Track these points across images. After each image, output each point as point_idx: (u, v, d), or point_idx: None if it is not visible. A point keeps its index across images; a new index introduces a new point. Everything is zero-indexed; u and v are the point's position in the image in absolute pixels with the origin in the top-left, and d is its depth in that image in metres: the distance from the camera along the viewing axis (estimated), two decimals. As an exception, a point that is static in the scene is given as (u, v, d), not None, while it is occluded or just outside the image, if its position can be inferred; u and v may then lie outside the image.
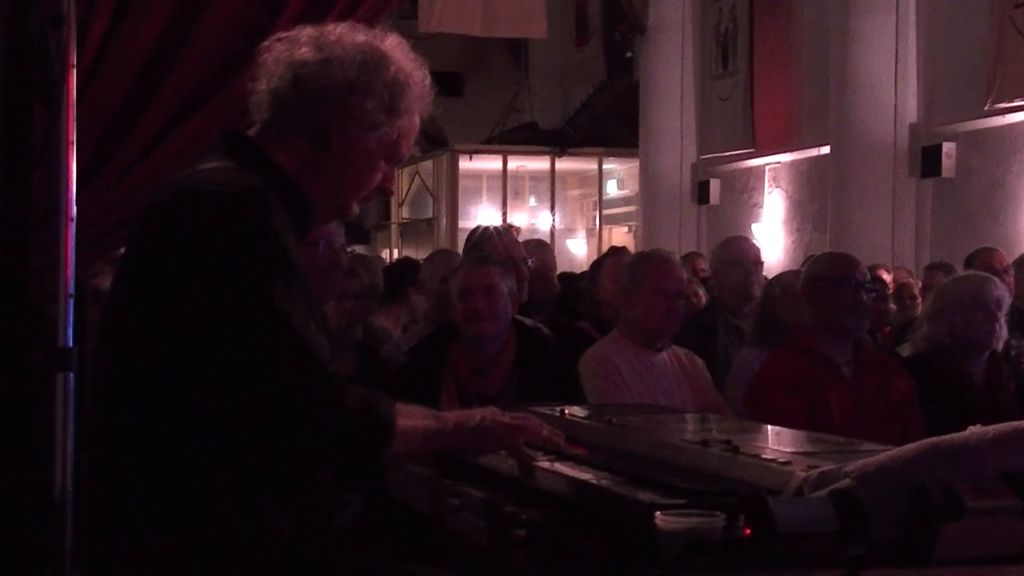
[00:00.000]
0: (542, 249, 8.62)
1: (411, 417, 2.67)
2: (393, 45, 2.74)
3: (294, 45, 2.70)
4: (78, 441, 3.59)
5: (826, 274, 5.33)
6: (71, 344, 3.63)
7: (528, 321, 5.52)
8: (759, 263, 7.13)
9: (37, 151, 3.73)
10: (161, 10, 3.87)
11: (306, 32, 2.73)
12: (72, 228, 3.63)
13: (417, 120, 2.79)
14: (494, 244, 6.73)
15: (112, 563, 2.62)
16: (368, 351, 5.33)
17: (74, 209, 3.63)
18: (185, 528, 2.51)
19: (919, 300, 8.80)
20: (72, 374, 3.64)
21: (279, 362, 2.48)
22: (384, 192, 2.85)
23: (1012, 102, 13.35)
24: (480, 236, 7.18)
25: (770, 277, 6.89)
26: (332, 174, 2.72)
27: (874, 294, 5.60)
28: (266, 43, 2.75)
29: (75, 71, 3.61)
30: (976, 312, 5.56)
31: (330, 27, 2.75)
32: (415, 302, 7.05)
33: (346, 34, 2.72)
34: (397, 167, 2.85)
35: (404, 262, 8.73)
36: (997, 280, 5.86)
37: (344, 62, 2.67)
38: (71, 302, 3.62)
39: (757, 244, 7.57)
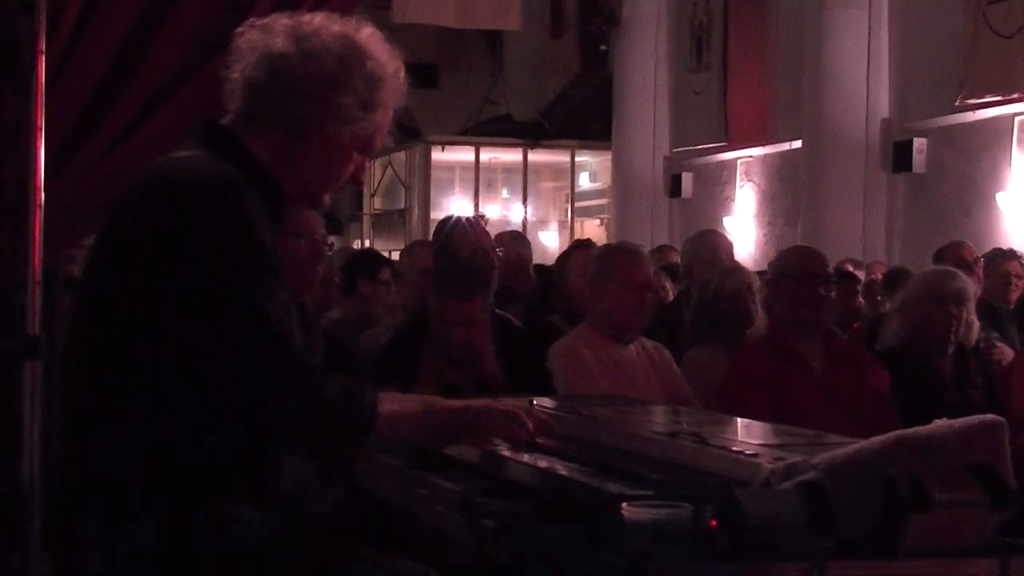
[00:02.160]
0: (518, 242, 8.63)
1: (397, 403, 2.67)
2: (369, 37, 2.74)
3: (270, 35, 2.69)
4: (46, 429, 3.58)
5: (787, 269, 5.35)
6: (39, 332, 3.62)
7: (500, 313, 5.53)
8: (731, 256, 7.15)
9: (6, 139, 3.72)
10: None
11: (282, 22, 2.72)
12: (40, 216, 3.62)
13: (391, 113, 2.79)
14: (464, 234, 6.73)
15: (81, 551, 2.61)
16: (334, 341, 5.33)
17: (43, 197, 3.62)
18: (155, 517, 2.50)
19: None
20: (40, 362, 3.62)
21: (255, 353, 2.47)
22: (355, 182, 2.85)
23: (983, 98, 13.39)
24: (451, 227, 7.17)
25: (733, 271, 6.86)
26: (306, 166, 2.72)
27: (834, 290, 5.59)
28: (240, 29, 2.74)
29: (44, 58, 3.59)
30: (934, 307, 5.59)
31: (306, 17, 2.74)
32: (366, 294, 7.04)
33: (323, 26, 2.71)
34: (368, 158, 2.85)
35: (354, 255, 8.64)
36: (959, 274, 5.89)
37: (324, 56, 2.67)
38: (39, 289, 3.61)
39: (730, 239, 7.57)
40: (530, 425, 2.86)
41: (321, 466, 2.79)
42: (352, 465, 3.42)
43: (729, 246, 7.24)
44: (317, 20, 2.73)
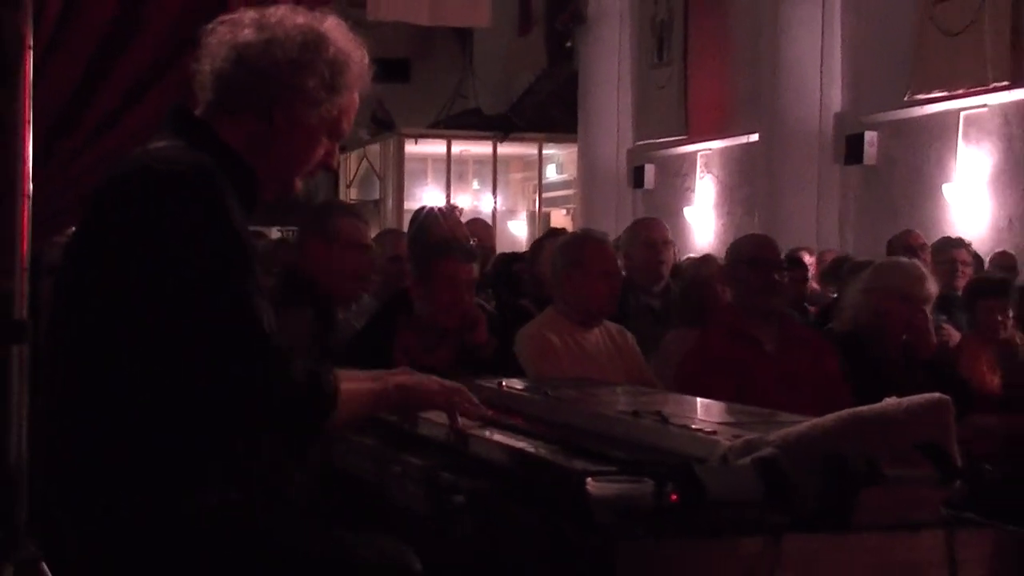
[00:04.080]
0: (483, 230, 8.64)
1: (354, 380, 2.68)
2: (332, 26, 2.74)
3: (236, 27, 2.70)
4: (32, 411, 3.56)
5: (742, 256, 5.35)
6: (26, 317, 3.60)
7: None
8: (668, 243, 7.12)
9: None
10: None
11: (248, 15, 2.72)
12: (28, 205, 3.60)
13: (356, 97, 2.78)
14: (437, 223, 6.73)
15: (64, 530, 2.60)
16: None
17: (30, 186, 3.60)
18: (136, 496, 2.48)
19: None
20: (27, 346, 3.60)
21: (229, 336, 2.46)
22: (327, 167, 2.85)
23: (930, 94, 13.45)
24: (425, 217, 7.17)
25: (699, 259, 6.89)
26: (276, 150, 2.71)
27: (787, 276, 5.60)
28: (209, 26, 2.73)
29: (31, 52, 3.57)
30: (902, 304, 5.60)
31: (271, 9, 2.74)
32: None
33: (287, 16, 2.72)
34: (338, 143, 2.84)
35: None
36: (929, 276, 5.90)
37: (286, 42, 2.67)
38: (26, 276, 3.59)
39: (667, 225, 7.53)
40: (467, 404, 2.91)
41: (290, 446, 2.77)
42: (315, 443, 3.42)
43: (665, 231, 7.19)
44: (281, 11, 2.74)
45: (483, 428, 2.98)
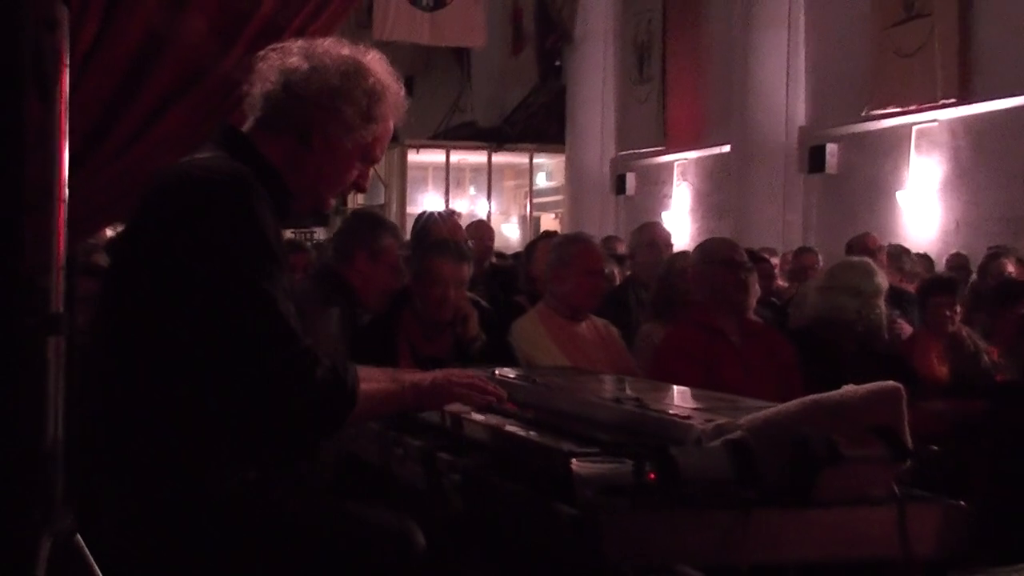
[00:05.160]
0: (485, 231, 8.65)
1: (372, 381, 2.66)
2: (373, 59, 2.74)
3: (286, 55, 2.69)
4: (67, 397, 3.55)
5: (710, 257, 5.35)
6: (61, 311, 3.59)
7: (470, 295, 5.51)
8: (669, 245, 7.17)
9: (32, 141, 3.70)
10: (143, 17, 3.83)
11: (297, 44, 2.72)
12: (64, 209, 3.59)
13: (391, 126, 2.76)
14: (437, 226, 6.72)
15: (99, 506, 2.60)
16: None
17: (66, 192, 3.59)
18: (166, 475, 2.49)
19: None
20: (62, 337, 3.59)
21: (259, 337, 2.45)
22: (358, 188, 2.83)
23: (886, 109, 13.49)
24: (426, 220, 7.16)
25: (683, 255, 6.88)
26: (312, 169, 2.70)
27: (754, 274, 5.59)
28: (261, 53, 2.73)
29: (68, 70, 3.57)
30: (851, 299, 5.61)
31: (319, 41, 2.74)
32: None
33: (332, 47, 2.71)
34: (371, 167, 2.83)
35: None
36: (878, 271, 5.91)
37: (329, 71, 2.66)
38: (62, 274, 3.59)
39: (668, 230, 7.63)
40: (490, 388, 2.87)
41: (309, 438, 2.75)
42: (333, 437, 3.42)
43: (667, 235, 7.26)
44: (327, 42, 2.73)
45: (479, 412, 2.97)
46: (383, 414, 2.98)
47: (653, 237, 7.08)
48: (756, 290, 5.46)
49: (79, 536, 3.13)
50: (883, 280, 5.78)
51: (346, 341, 4.58)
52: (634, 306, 6.46)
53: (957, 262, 9.76)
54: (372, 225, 5.12)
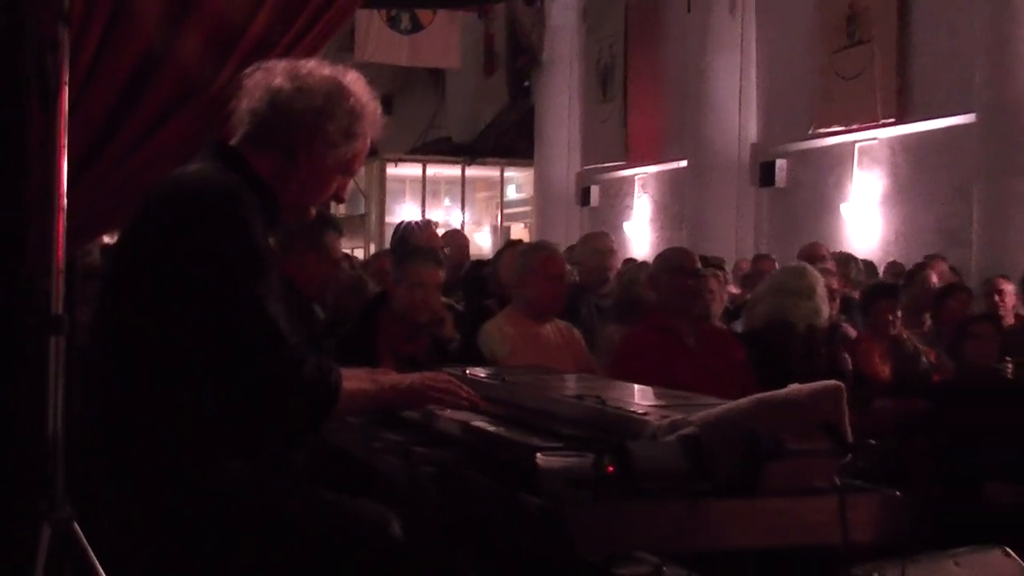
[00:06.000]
0: (460, 239, 8.62)
1: (354, 381, 2.66)
2: (353, 79, 2.72)
3: (271, 74, 2.67)
4: (67, 393, 3.54)
5: (666, 265, 5.37)
6: (62, 312, 3.57)
7: (444, 299, 5.52)
8: (613, 252, 7.15)
9: (35, 153, 3.68)
10: (140, 38, 3.82)
11: (282, 65, 2.71)
12: (63, 217, 3.58)
13: (368, 142, 2.75)
14: (414, 234, 6.72)
15: (98, 495, 2.58)
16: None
17: (65, 201, 3.58)
18: (161, 466, 2.47)
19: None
20: (63, 337, 3.58)
21: (251, 339, 2.44)
22: (337, 200, 2.82)
23: (830, 128, 13.57)
24: (404, 229, 7.15)
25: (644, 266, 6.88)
26: (297, 182, 2.69)
27: (706, 281, 5.60)
28: (248, 71, 2.72)
29: (67, 88, 3.55)
30: (787, 299, 5.64)
31: (302, 62, 2.73)
32: None
33: (315, 69, 2.70)
34: (350, 179, 2.82)
35: None
36: (808, 271, 5.94)
37: (313, 91, 2.65)
38: (62, 277, 3.57)
39: (612, 238, 7.59)
40: (463, 392, 2.87)
41: (294, 432, 2.75)
42: (316, 431, 3.42)
43: (611, 243, 7.23)
44: (311, 64, 2.72)
45: (452, 410, 2.97)
46: (363, 412, 2.98)
47: (597, 245, 7.08)
48: (720, 295, 5.46)
49: (75, 523, 3.11)
50: (815, 280, 5.80)
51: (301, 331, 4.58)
52: (584, 311, 6.45)
53: (894, 270, 9.83)
54: (316, 223, 5.12)
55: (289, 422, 2.58)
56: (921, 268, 8.00)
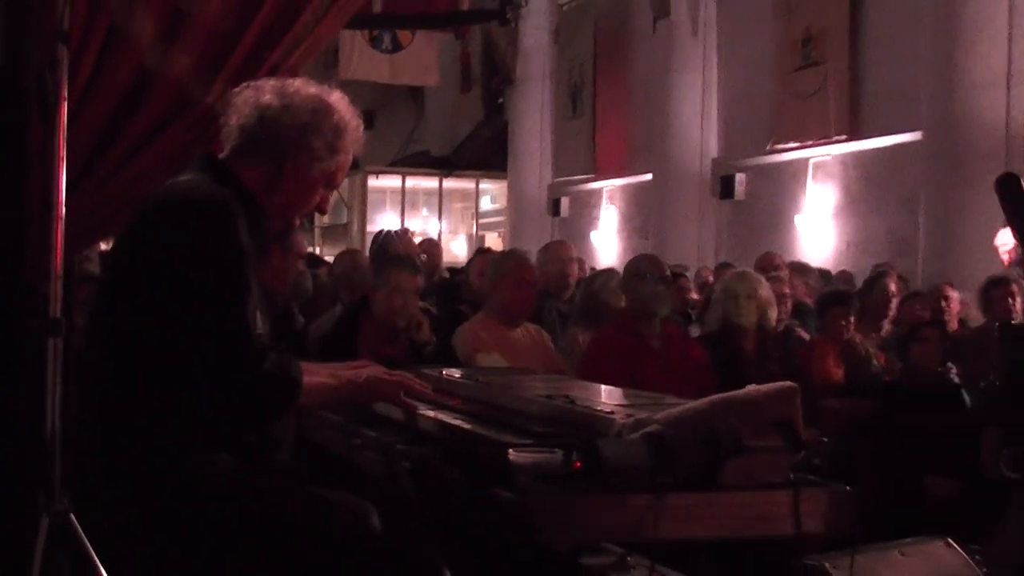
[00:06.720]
0: (434, 248, 8.61)
1: (314, 375, 2.68)
2: (337, 98, 2.73)
3: (260, 92, 2.68)
4: (64, 392, 3.53)
5: (634, 271, 5.39)
6: (60, 315, 3.56)
7: (421, 304, 5.51)
8: (573, 260, 7.14)
9: (34, 164, 3.67)
10: (134, 56, 3.82)
11: (270, 83, 2.72)
12: (62, 224, 3.57)
13: (351, 157, 2.76)
14: (393, 242, 6.71)
15: (92, 489, 2.57)
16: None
17: (63, 209, 3.57)
18: (150, 461, 2.47)
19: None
20: (60, 339, 3.57)
21: (220, 337, 2.45)
22: (320, 211, 2.84)
23: (787, 144, 13.63)
24: (384, 238, 7.15)
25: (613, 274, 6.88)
26: (283, 194, 2.70)
27: (672, 287, 5.64)
28: (237, 89, 2.73)
29: (66, 102, 3.55)
30: (731, 302, 5.68)
31: (289, 80, 2.74)
32: None
33: (302, 87, 2.71)
34: (332, 192, 2.84)
35: None
36: (748, 275, 5.98)
37: (300, 108, 2.66)
38: (60, 282, 3.56)
39: (573, 246, 7.57)
40: (417, 386, 2.91)
41: (260, 424, 2.75)
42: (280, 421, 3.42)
43: (571, 250, 7.21)
44: (298, 83, 2.73)
45: (427, 408, 2.97)
46: (324, 404, 3.00)
47: (559, 253, 7.07)
48: (688, 298, 5.47)
49: (72, 516, 3.10)
50: (756, 281, 5.83)
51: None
52: (546, 316, 6.44)
53: (844, 277, 9.89)
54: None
55: (254, 413, 2.58)
56: (881, 276, 8.04)
